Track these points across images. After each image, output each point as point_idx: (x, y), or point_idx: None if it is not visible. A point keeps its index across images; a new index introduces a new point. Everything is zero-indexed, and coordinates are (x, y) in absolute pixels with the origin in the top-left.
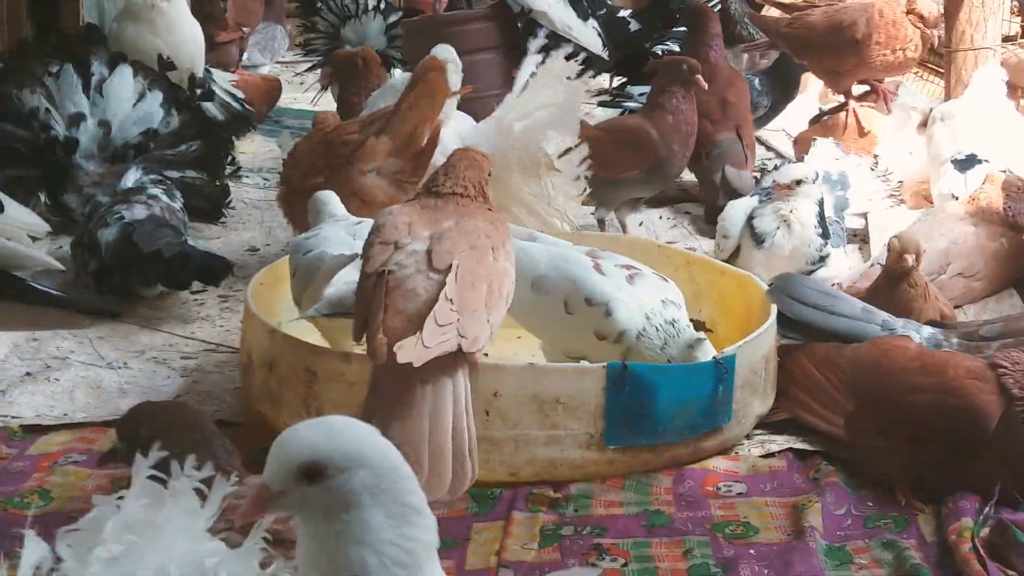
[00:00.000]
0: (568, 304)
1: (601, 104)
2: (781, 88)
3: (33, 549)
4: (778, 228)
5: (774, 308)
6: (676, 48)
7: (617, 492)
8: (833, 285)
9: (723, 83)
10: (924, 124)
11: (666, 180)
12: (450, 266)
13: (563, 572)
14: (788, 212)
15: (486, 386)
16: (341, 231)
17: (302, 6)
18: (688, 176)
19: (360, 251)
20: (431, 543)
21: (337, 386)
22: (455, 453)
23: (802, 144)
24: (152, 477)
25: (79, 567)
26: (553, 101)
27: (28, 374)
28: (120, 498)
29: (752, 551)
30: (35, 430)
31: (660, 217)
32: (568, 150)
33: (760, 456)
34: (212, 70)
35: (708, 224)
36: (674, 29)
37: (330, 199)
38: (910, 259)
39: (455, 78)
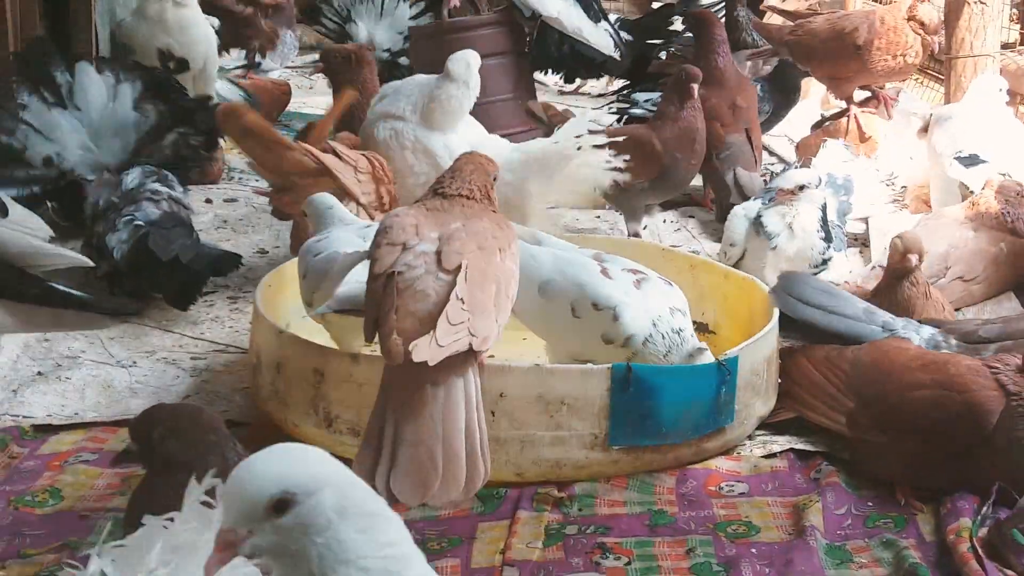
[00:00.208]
0: (575, 308)
1: (608, 111)
2: (782, 94)
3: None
4: (782, 232)
5: (776, 311)
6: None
7: (621, 492)
8: (839, 285)
9: (733, 87)
10: (924, 129)
11: (674, 188)
12: (459, 266)
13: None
14: (792, 216)
15: (492, 387)
16: (351, 233)
17: (306, 13)
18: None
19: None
20: (406, 540)
21: (345, 387)
22: (468, 452)
23: (804, 149)
24: (203, 503)
25: None
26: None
27: (40, 373)
28: (169, 519)
29: (754, 550)
30: (46, 429)
31: (664, 221)
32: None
33: (762, 456)
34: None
35: (720, 222)
36: (671, 37)
37: (330, 201)
38: (913, 258)
39: (473, 81)
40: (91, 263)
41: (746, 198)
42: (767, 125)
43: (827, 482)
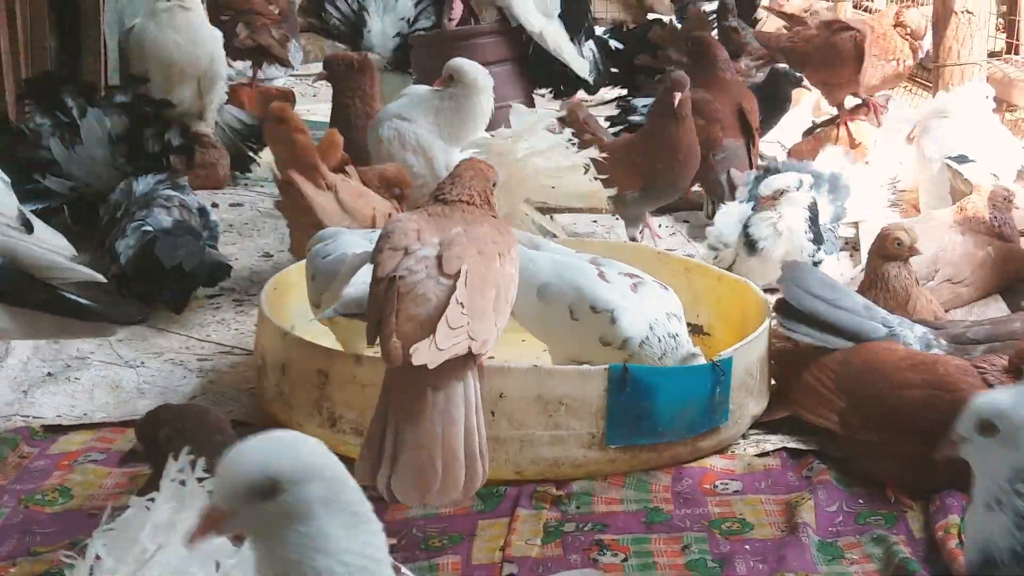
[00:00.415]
0: (573, 311)
1: (609, 119)
2: (772, 103)
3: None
4: (768, 236)
5: (769, 313)
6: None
7: (618, 490)
8: None
9: (736, 94)
10: (912, 136)
11: (665, 195)
12: (459, 271)
13: (566, 573)
14: (777, 220)
15: (492, 387)
16: (359, 237)
17: (310, 19)
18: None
19: None
20: (384, 547)
21: (349, 388)
22: (467, 454)
23: (796, 155)
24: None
25: (118, 564)
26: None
27: (49, 374)
28: (151, 499)
29: (747, 546)
30: (56, 430)
31: (659, 225)
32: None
33: (755, 455)
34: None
35: (710, 219)
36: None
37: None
38: (904, 236)
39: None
40: (103, 279)
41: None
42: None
43: (819, 480)
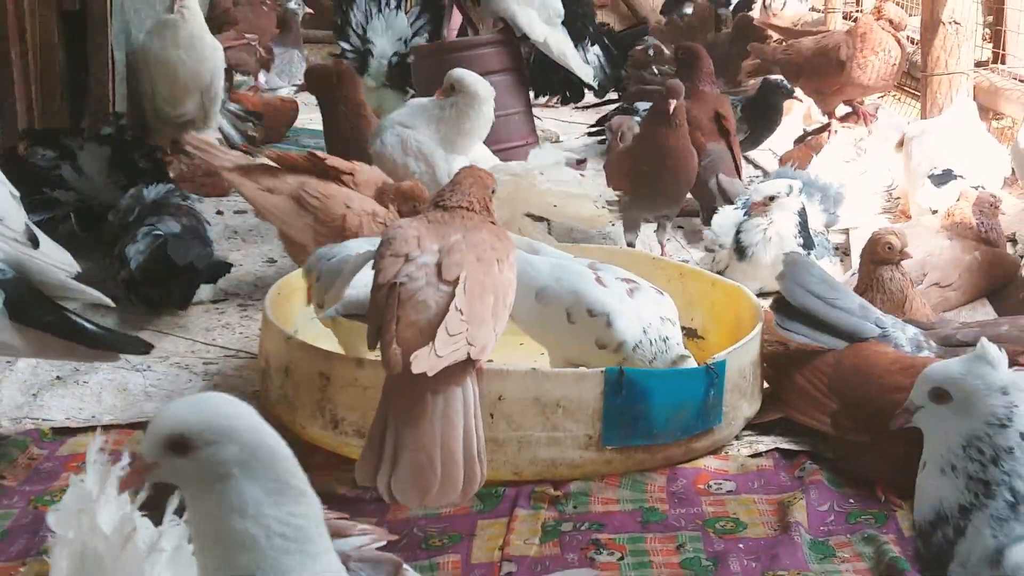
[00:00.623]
0: (571, 314)
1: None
2: (761, 118)
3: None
4: (759, 242)
5: (761, 317)
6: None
7: (614, 490)
8: None
9: (712, 101)
10: (901, 144)
11: (657, 202)
12: (458, 278)
13: (563, 573)
14: (767, 226)
15: (491, 390)
16: (362, 241)
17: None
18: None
19: None
20: (318, 520)
21: (350, 390)
22: (466, 457)
23: (787, 163)
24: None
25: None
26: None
27: (58, 378)
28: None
29: (741, 545)
30: (64, 432)
31: (655, 231)
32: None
33: (748, 456)
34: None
35: (706, 225)
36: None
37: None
38: (894, 240)
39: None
40: (111, 303)
41: (730, 203)
42: (745, 146)
43: (811, 480)
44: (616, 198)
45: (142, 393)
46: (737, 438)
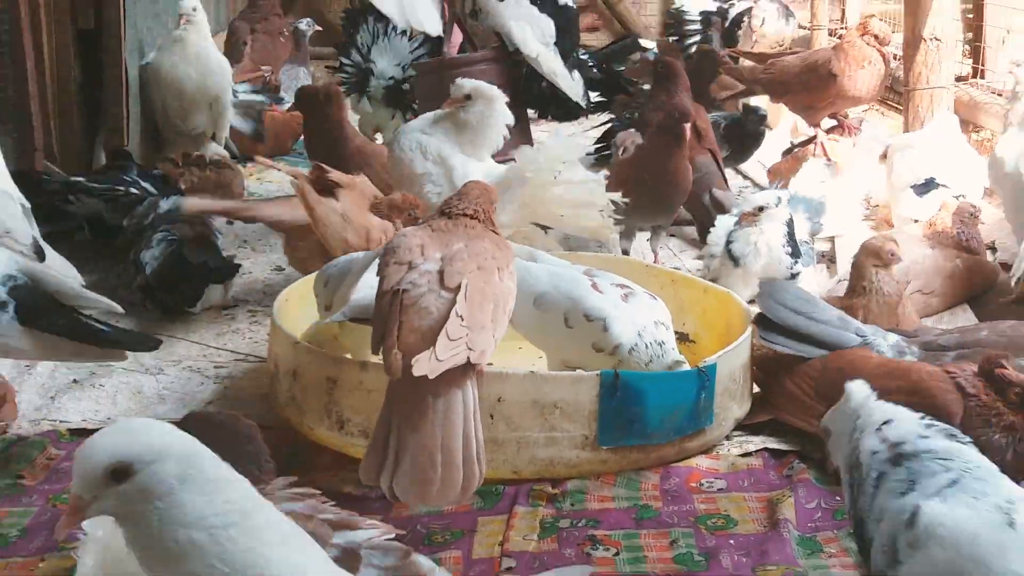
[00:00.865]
0: (568, 319)
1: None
2: (739, 142)
3: None
4: (749, 252)
5: (751, 322)
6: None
7: (610, 488)
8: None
9: (692, 113)
10: (885, 155)
11: (652, 213)
12: (460, 285)
13: (560, 570)
14: (757, 235)
15: (491, 392)
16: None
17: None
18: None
19: None
20: (249, 497)
21: (356, 393)
22: (465, 458)
23: (775, 174)
24: None
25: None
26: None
27: (75, 381)
28: None
29: (732, 541)
30: (81, 433)
31: (648, 240)
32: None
33: (739, 455)
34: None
35: (702, 241)
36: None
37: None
38: (895, 246)
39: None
40: (122, 311)
41: (723, 213)
42: (726, 162)
43: (799, 478)
44: (621, 201)
45: (156, 396)
46: (728, 438)
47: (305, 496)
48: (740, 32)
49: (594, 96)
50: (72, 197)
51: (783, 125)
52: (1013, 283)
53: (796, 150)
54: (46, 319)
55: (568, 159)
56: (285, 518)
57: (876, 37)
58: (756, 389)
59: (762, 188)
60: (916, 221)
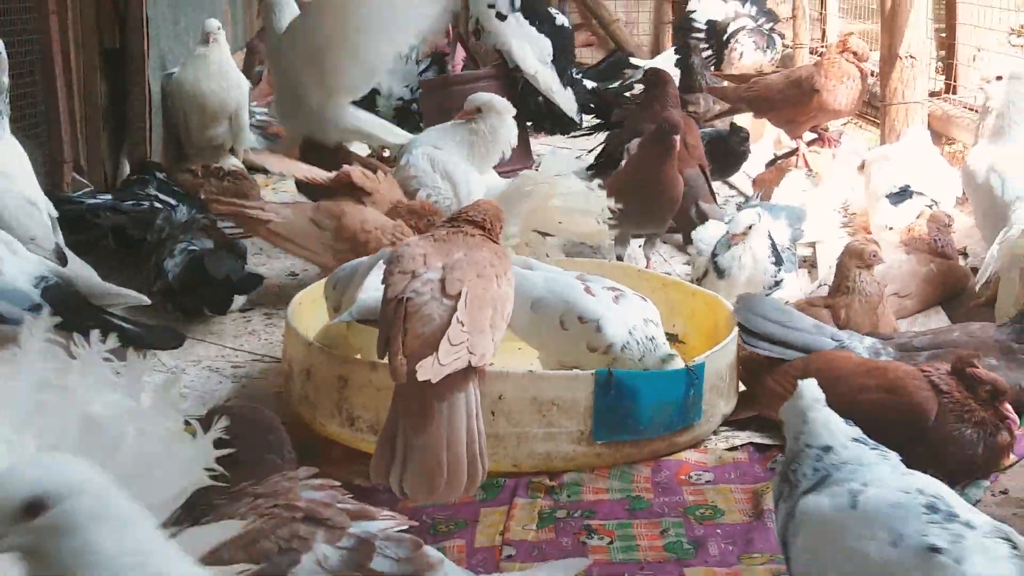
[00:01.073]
0: (563, 321)
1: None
2: (720, 161)
3: None
4: (734, 264)
5: (736, 323)
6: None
7: (604, 481)
8: (787, 303)
9: (681, 128)
10: (862, 166)
11: (643, 220)
12: (460, 292)
13: (557, 562)
14: (744, 250)
15: (492, 391)
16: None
17: None
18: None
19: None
20: (157, 538)
21: (366, 391)
22: (468, 455)
23: (760, 184)
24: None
25: None
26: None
27: None
28: None
29: (719, 530)
30: None
31: (639, 246)
32: None
33: (725, 449)
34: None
35: (687, 245)
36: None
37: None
38: (877, 249)
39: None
40: (148, 301)
41: None
42: (711, 175)
43: None
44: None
45: (176, 395)
46: (715, 433)
47: (325, 486)
48: (724, 54)
49: (589, 119)
50: (100, 213)
51: (767, 138)
52: (978, 287)
53: (779, 161)
54: (77, 319)
55: (563, 172)
56: (187, 556)
57: (855, 54)
58: (742, 387)
59: (747, 197)
60: (891, 228)
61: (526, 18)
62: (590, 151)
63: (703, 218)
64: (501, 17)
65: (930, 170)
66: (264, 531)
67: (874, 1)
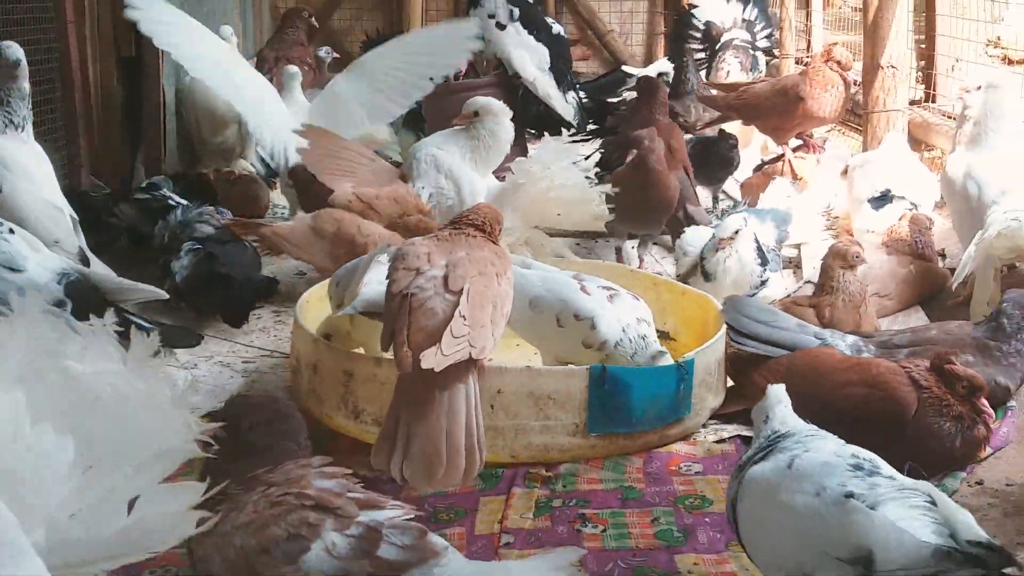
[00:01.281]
0: (559, 319)
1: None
2: (708, 169)
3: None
4: (720, 268)
5: (725, 320)
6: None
7: (598, 471)
8: (771, 303)
9: (665, 132)
10: (845, 172)
11: (636, 222)
12: (462, 288)
13: (551, 553)
14: (731, 253)
15: (491, 385)
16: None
17: None
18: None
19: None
20: (43, 568)
21: (370, 385)
22: (467, 446)
23: (747, 188)
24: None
25: None
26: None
27: None
28: None
29: (707, 519)
30: None
31: (633, 247)
32: None
33: (714, 442)
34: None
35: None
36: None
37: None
38: (860, 250)
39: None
40: (166, 295)
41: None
42: (696, 179)
43: None
44: (611, 191)
45: (189, 388)
46: (704, 426)
47: (337, 475)
48: (713, 65)
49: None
50: (115, 210)
51: (754, 145)
52: (954, 287)
53: (766, 167)
54: (96, 314)
55: (557, 164)
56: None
57: (838, 63)
58: (730, 382)
59: (735, 202)
60: (872, 231)
61: (524, 27)
62: (587, 157)
63: (691, 223)
64: (501, 27)
65: (910, 175)
66: (275, 517)
67: (857, 13)
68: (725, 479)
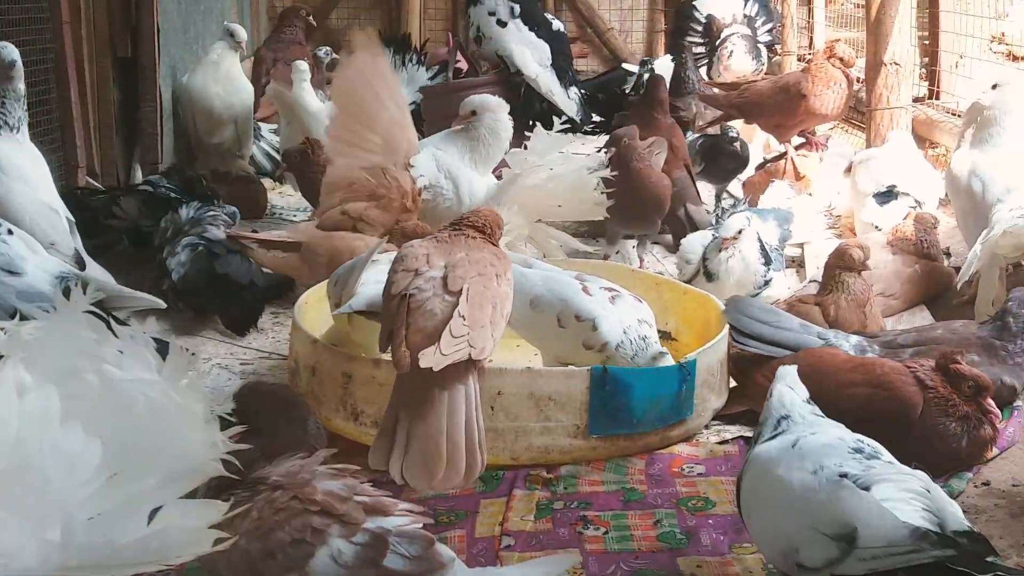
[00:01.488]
0: (560, 319)
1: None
2: (712, 159)
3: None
4: (723, 268)
5: (727, 321)
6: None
7: (599, 473)
8: (775, 303)
9: (667, 131)
10: (849, 170)
11: (631, 222)
12: (462, 289)
13: (545, 559)
14: (734, 252)
15: (491, 386)
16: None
17: None
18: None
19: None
20: None
21: (369, 387)
22: (468, 446)
23: (750, 187)
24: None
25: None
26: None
27: None
28: None
29: (710, 521)
30: None
31: (633, 247)
32: None
33: (716, 443)
34: (260, 124)
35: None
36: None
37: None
38: (860, 252)
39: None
40: (163, 305)
41: (696, 229)
42: (701, 177)
43: None
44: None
45: (193, 375)
46: (707, 427)
47: (345, 473)
48: (716, 55)
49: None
50: (115, 209)
51: (756, 143)
52: (960, 286)
53: (768, 165)
54: None
55: (553, 153)
56: None
57: (841, 60)
58: (732, 383)
59: (737, 200)
60: (877, 228)
61: (525, 24)
62: (599, 149)
63: (692, 223)
64: (501, 24)
65: (914, 172)
66: (280, 522)
67: (860, 9)
68: (728, 480)
